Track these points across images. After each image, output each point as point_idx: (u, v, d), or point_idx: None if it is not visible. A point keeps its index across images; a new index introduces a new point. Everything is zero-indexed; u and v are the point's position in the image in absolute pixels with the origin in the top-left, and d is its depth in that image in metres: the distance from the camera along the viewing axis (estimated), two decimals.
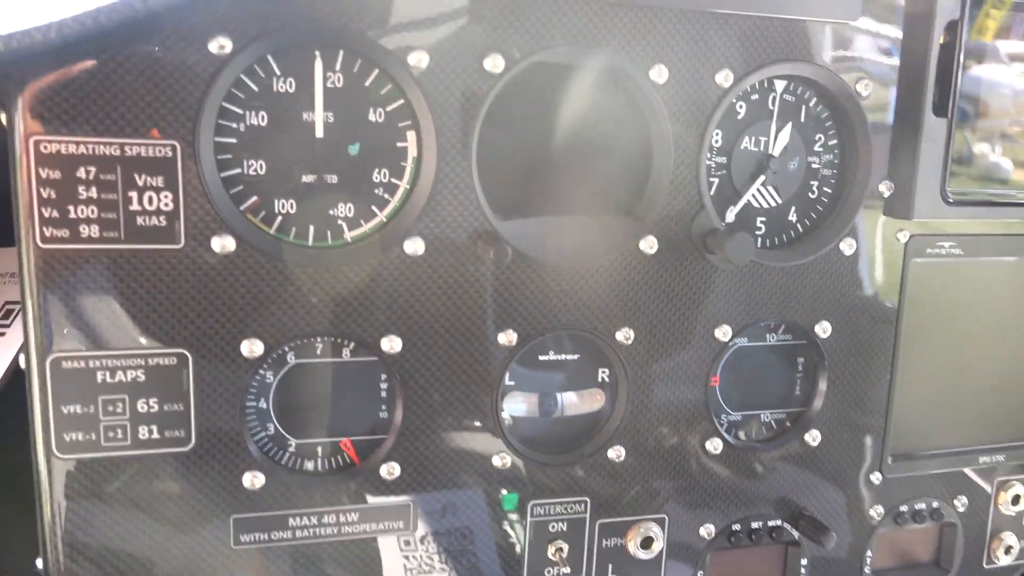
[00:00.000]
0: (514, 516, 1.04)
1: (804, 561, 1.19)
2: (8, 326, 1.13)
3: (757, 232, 1.10)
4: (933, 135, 1.07)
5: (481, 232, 0.95)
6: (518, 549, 1.04)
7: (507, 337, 0.99)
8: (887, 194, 1.10)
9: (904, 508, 1.23)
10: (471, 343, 0.98)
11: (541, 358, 1.05)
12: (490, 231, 0.95)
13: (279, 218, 0.91)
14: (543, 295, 1.00)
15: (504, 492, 1.02)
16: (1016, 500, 1.29)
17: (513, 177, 0.99)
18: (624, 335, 1.04)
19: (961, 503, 1.26)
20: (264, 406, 0.95)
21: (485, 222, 0.95)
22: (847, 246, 1.10)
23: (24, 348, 0.84)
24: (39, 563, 0.89)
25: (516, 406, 1.05)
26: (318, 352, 0.96)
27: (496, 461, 1.01)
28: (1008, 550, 1.31)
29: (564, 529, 1.07)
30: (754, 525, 1.15)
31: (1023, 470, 1.29)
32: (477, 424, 1.00)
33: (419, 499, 1.00)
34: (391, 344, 0.95)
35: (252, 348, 0.90)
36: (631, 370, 1.06)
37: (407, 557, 1.01)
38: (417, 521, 1.00)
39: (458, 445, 1.00)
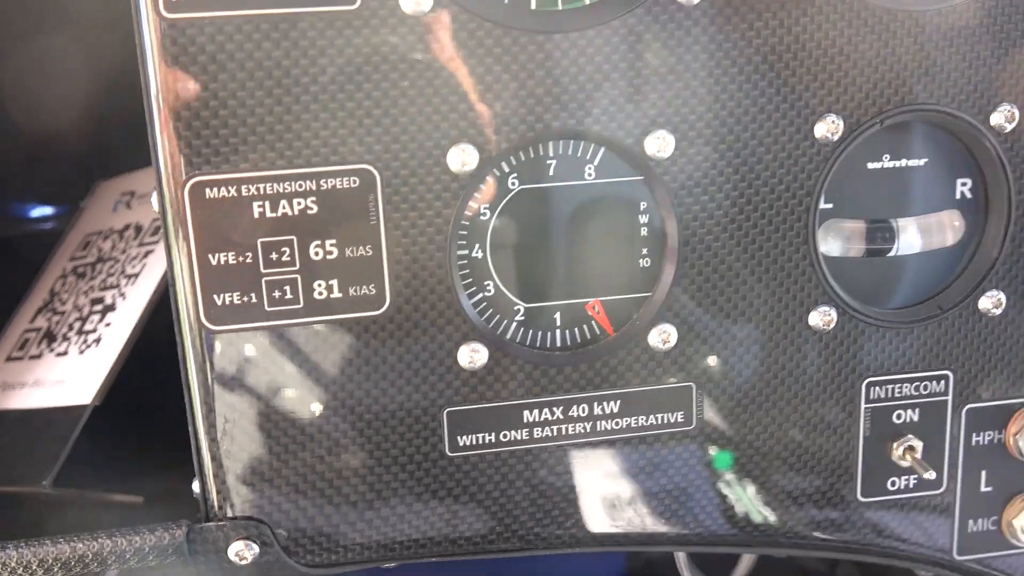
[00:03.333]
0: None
1: None
2: None
3: None
4: None
5: None
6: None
7: (828, 126, 0.72)
8: None
9: None
10: (772, 139, 0.72)
11: (871, 166, 0.77)
12: None
13: None
14: (878, 59, 0.72)
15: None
16: None
17: None
18: (1004, 115, 0.74)
19: None
20: (480, 255, 0.73)
21: None
22: None
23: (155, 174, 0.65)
24: (196, 486, 0.71)
25: (833, 242, 0.78)
26: (551, 173, 0.73)
27: (815, 319, 0.75)
28: None
29: (915, 419, 0.79)
30: None
31: None
32: (783, 264, 0.74)
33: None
34: (659, 144, 0.70)
35: (463, 159, 0.67)
36: (1015, 173, 0.76)
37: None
38: (702, 416, 0.76)
39: (756, 297, 0.74)
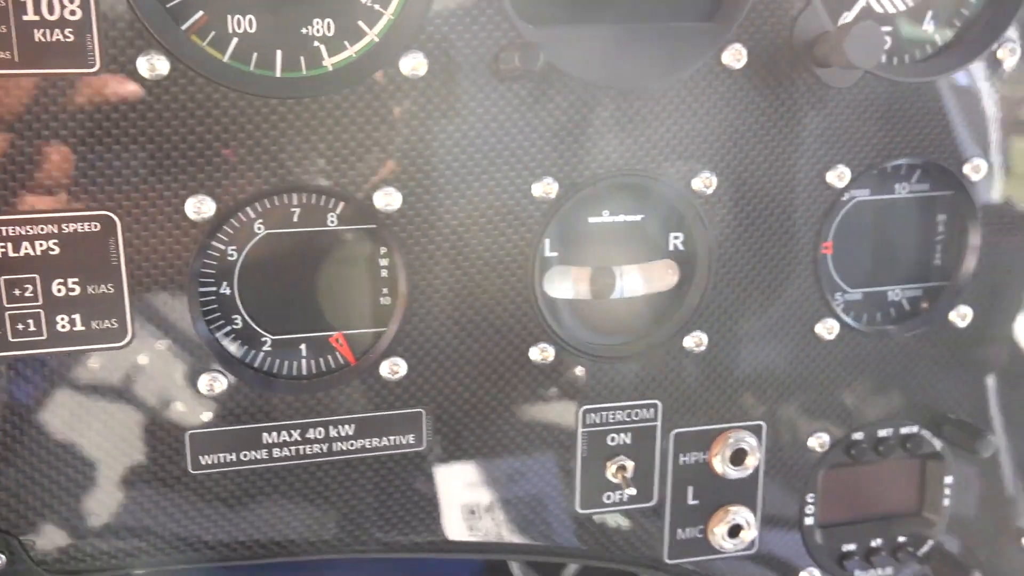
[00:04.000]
0: None
1: (948, 479, 1.01)
2: None
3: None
4: None
5: (505, 43, 0.77)
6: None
7: (544, 188, 0.82)
8: None
9: None
10: (495, 197, 0.81)
11: (592, 220, 0.88)
12: (517, 40, 0.77)
13: (234, 40, 0.74)
14: (591, 130, 0.82)
15: None
16: None
17: None
18: (703, 182, 0.86)
19: None
20: (228, 292, 0.80)
21: (510, 30, 0.77)
22: (1012, 50, 0.89)
23: None
24: None
25: (561, 285, 0.88)
26: (295, 219, 0.81)
27: (534, 354, 0.86)
28: None
29: (628, 442, 0.91)
30: (881, 434, 0.98)
31: None
32: (507, 306, 0.84)
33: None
34: (387, 200, 0.79)
35: (200, 207, 0.75)
36: (713, 230, 0.88)
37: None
38: (429, 437, 0.85)
39: (481, 334, 0.84)
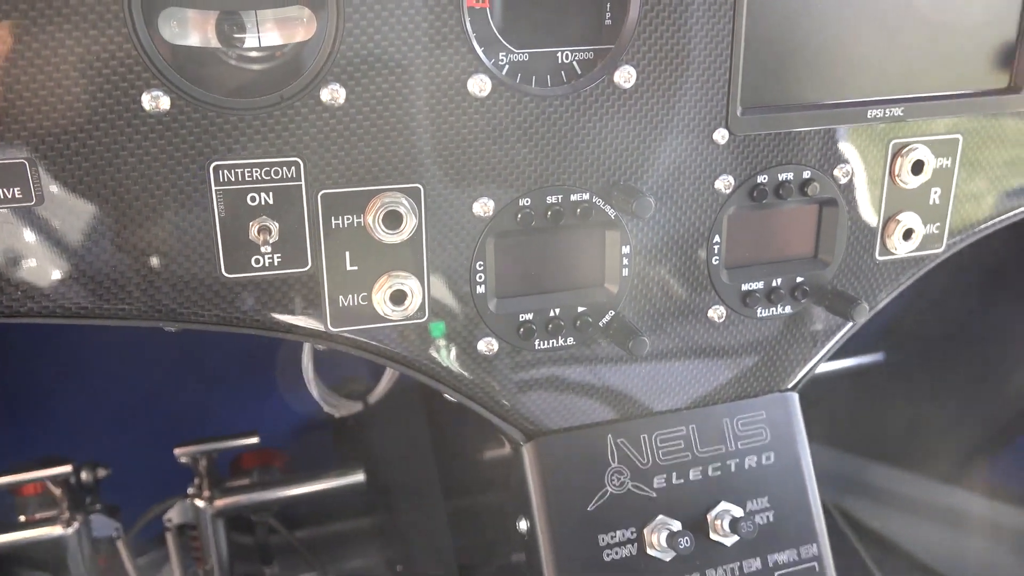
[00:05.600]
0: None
1: (625, 249, 1.01)
2: None
3: None
4: None
5: None
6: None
7: None
8: None
9: (763, 179, 1.04)
10: None
11: None
12: None
13: None
14: None
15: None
16: (918, 168, 1.11)
17: None
18: None
19: (843, 173, 1.07)
20: None
21: None
22: None
23: None
24: None
25: (180, 30, 0.83)
26: None
27: (147, 102, 0.81)
28: (908, 235, 1.13)
29: (270, 202, 0.88)
30: (550, 200, 0.97)
31: (927, 130, 1.10)
32: (108, 48, 0.79)
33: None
34: None
35: None
36: None
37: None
38: (38, 190, 0.81)
39: (82, 78, 0.79)
